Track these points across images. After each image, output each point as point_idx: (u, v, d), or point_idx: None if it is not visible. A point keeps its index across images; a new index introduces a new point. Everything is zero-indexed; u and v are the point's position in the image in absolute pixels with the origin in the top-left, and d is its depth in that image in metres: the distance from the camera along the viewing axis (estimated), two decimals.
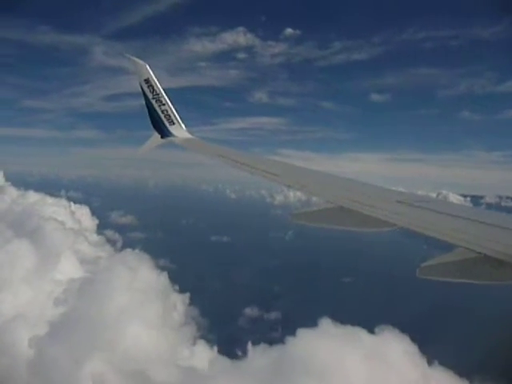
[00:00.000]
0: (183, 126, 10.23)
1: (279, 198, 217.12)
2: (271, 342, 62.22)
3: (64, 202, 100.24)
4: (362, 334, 42.08)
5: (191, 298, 75.34)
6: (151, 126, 10.25)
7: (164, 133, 10.17)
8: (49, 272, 48.95)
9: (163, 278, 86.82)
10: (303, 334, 37.39)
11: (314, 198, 5.75)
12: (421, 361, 39.56)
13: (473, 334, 60.96)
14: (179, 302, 67.78)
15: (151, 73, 9.80)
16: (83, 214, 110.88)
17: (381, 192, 5.73)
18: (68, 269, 51.75)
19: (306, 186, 6.10)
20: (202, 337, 63.87)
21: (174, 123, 10.15)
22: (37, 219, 67.54)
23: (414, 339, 43.47)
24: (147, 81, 9.84)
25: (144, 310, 36.41)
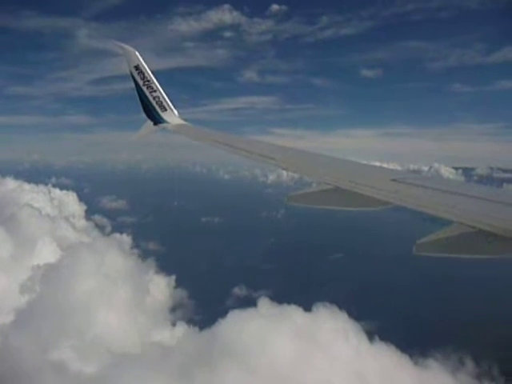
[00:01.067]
0: (175, 112, 10.16)
1: (272, 177, 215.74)
2: None
3: (44, 188, 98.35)
4: (298, 312, 41.28)
5: (179, 280, 75.22)
6: (142, 110, 10.15)
7: (157, 120, 10.10)
8: (25, 259, 48.02)
9: (143, 262, 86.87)
10: (236, 315, 36.34)
11: (309, 179, 5.94)
12: (360, 337, 39.01)
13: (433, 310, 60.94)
14: (165, 284, 67.45)
15: (141, 59, 9.64)
16: (70, 200, 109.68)
17: (375, 171, 5.91)
18: (47, 255, 50.80)
19: (301, 168, 6.20)
20: (188, 318, 63.81)
21: (166, 109, 10.07)
22: (13, 206, 66.25)
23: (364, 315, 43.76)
24: (137, 67, 9.68)
25: (117, 294, 35.60)
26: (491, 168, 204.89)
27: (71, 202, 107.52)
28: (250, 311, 39.36)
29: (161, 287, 64.50)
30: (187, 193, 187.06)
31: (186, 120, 10.23)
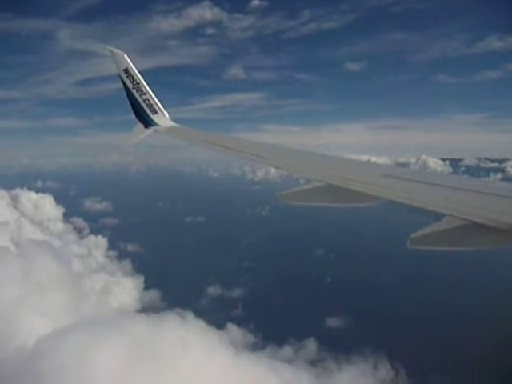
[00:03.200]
0: (166, 114, 10.20)
1: (260, 174, 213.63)
2: (232, 321, 61.15)
3: (3, 192, 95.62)
4: (144, 323, 37.55)
5: (154, 282, 73.33)
6: (131, 111, 10.16)
7: (147, 122, 10.14)
8: None
9: (120, 264, 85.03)
10: (70, 327, 32.43)
11: (301, 176, 6.03)
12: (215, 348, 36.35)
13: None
14: (133, 287, 65.60)
15: (130, 62, 9.67)
16: (46, 203, 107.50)
17: (367, 167, 6.16)
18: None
19: (293, 166, 6.22)
20: None
21: (156, 112, 10.13)
22: None
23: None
24: (126, 70, 9.72)
25: (48, 301, 33.28)
26: (478, 158, 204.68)
27: (47, 205, 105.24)
28: (86, 322, 35.17)
29: (128, 290, 62.59)
30: (174, 192, 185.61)
31: (176, 122, 10.26)
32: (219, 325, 59.00)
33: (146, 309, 66.00)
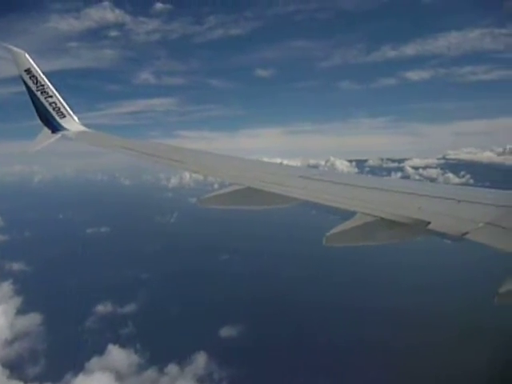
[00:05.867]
0: (75, 118, 9.56)
1: (174, 181, 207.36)
2: (118, 341, 55.71)
3: None
4: None
5: (31, 305, 65.45)
6: (36, 116, 9.26)
7: (55, 127, 9.30)
8: None
9: None
10: None
11: (213, 179, 6.11)
12: None
13: None
14: (1, 312, 57.40)
15: (32, 62, 8.93)
16: None
17: (284, 169, 6.23)
18: None
19: (212, 171, 6.13)
20: (30, 351, 54.99)
21: (64, 116, 9.33)
22: None
23: None
24: (28, 71, 8.88)
25: None
26: (381, 159, 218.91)
27: None
28: None
29: None
30: (80, 203, 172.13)
31: (87, 126, 9.58)
32: (102, 346, 53.75)
33: (20, 336, 58.29)
